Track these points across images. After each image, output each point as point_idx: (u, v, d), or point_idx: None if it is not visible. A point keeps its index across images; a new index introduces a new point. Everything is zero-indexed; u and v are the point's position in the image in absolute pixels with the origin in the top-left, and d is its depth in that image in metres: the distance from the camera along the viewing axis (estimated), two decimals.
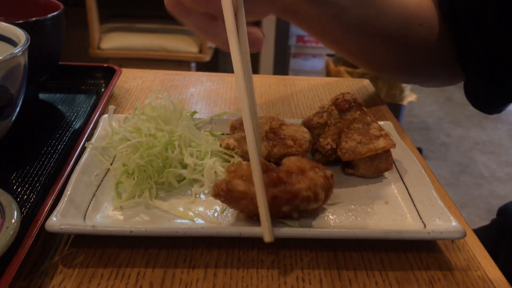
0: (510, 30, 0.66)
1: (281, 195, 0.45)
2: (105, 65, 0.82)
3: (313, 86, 0.85)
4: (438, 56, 0.75)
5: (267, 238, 0.42)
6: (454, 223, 0.45)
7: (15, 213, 0.42)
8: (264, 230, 0.42)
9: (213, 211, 0.49)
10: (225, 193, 0.44)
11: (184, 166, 0.53)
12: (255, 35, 0.52)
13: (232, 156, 0.56)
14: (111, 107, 0.60)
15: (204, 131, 0.61)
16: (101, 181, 0.52)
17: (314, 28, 0.73)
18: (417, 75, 0.83)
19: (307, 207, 0.46)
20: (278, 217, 0.46)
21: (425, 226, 0.47)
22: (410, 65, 0.78)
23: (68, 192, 0.47)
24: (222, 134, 0.63)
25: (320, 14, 0.67)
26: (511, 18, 0.65)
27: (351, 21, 0.67)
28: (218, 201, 0.48)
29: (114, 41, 2.31)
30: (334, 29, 0.69)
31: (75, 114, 0.69)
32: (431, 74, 0.81)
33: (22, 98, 0.55)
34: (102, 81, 0.80)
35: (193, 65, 2.38)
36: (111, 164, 0.54)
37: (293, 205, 0.45)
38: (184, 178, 0.53)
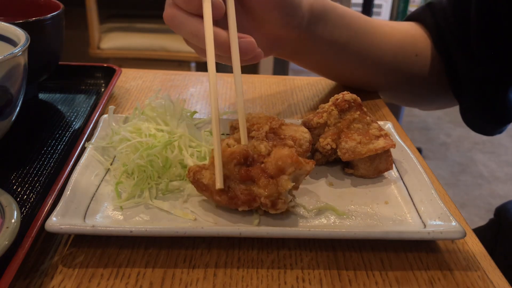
0: (493, 56, 0.70)
1: (241, 195, 0.46)
2: (105, 65, 0.82)
3: (313, 86, 0.85)
4: (433, 84, 0.80)
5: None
6: (454, 223, 0.45)
7: (15, 213, 0.42)
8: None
9: (213, 211, 0.49)
10: (192, 180, 0.48)
11: (184, 166, 0.53)
12: (246, 38, 0.53)
13: None
14: (111, 107, 0.60)
15: (204, 131, 0.61)
16: (101, 181, 0.52)
17: (320, 66, 0.77)
18: (414, 101, 0.88)
19: (266, 210, 0.46)
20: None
21: (425, 226, 0.47)
22: (408, 92, 0.84)
23: (68, 192, 0.47)
24: (222, 134, 0.63)
25: (323, 52, 0.70)
26: (492, 45, 0.70)
27: (351, 55, 0.72)
28: None
29: (114, 41, 2.31)
30: (336, 65, 0.74)
31: (75, 114, 0.69)
32: (428, 100, 0.86)
33: (22, 98, 0.55)
34: (102, 81, 0.80)
35: (193, 65, 2.38)
36: (111, 164, 0.54)
37: (250, 206, 0.46)
38: (184, 178, 0.53)
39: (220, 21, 0.53)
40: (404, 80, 0.78)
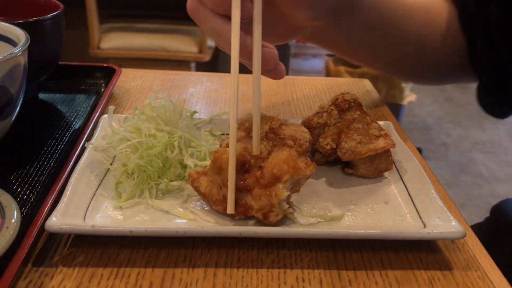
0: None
1: (236, 205, 0.46)
2: (105, 65, 0.82)
3: (313, 86, 0.85)
4: (455, 59, 0.77)
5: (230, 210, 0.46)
6: (454, 223, 0.45)
7: (15, 213, 0.42)
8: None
9: (213, 211, 0.49)
10: (192, 186, 0.49)
11: (184, 166, 0.53)
12: (269, 48, 0.51)
13: None
14: (111, 107, 0.60)
15: (204, 131, 0.61)
16: (101, 181, 0.52)
17: (343, 49, 0.74)
18: (431, 78, 0.85)
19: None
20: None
21: (425, 226, 0.47)
22: (429, 70, 0.80)
23: (68, 192, 0.47)
24: (222, 134, 0.63)
25: (348, 36, 0.68)
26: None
27: (377, 36, 0.69)
28: None
29: (114, 41, 2.31)
30: (361, 46, 0.71)
31: (75, 114, 0.69)
32: (446, 75, 0.83)
33: (22, 98, 0.55)
34: (102, 81, 0.80)
35: (193, 65, 2.37)
36: (111, 164, 0.54)
37: (245, 215, 0.46)
38: (184, 178, 0.53)
39: (244, 23, 0.51)
40: (427, 58, 0.76)
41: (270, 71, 0.52)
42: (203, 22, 0.50)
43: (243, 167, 0.47)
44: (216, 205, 0.47)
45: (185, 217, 0.48)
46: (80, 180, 0.49)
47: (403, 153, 0.58)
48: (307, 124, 0.58)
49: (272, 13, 0.55)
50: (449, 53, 0.76)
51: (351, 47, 0.73)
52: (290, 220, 0.48)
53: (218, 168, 0.47)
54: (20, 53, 0.51)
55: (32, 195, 0.50)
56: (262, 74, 0.51)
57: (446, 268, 0.45)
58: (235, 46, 0.47)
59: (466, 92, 3.49)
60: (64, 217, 0.44)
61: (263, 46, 0.50)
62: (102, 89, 0.78)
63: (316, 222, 0.48)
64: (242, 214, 0.46)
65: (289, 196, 0.46)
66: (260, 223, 0.46)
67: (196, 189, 0.49)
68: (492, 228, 0.81)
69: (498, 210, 0.83)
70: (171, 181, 0.52)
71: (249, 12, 0.48)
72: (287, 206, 0.46)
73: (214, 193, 0.47)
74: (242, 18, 0.48)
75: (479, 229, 0.81)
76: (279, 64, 0.52)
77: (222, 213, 0.47)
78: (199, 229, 0.44)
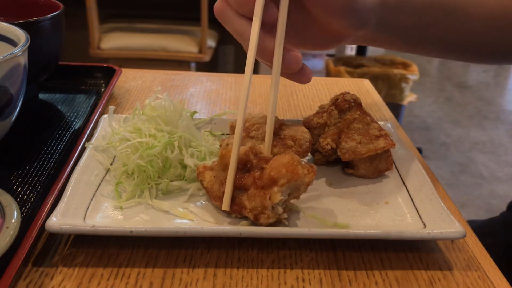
0: None
1: (232, 203, 0.46)
2: (105, 65, 0.82)
3: (313, 86, 0.85)
4: None
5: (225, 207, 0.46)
6: (454, 223, 0.45)
7: (15, 213, 0.42)
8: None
9: (213, 211, 0.49)
10: (197, 178, 0.50)
11: (184, 166, 0.53)
12: (292, 52, 0.50)
13: None
14: (111, 107, 0.60)
15: (204, 131, 0.61)
16: (101, 181, 0.52)
17: (400, 47, 0.67)
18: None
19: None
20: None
21: (425, 226, 0.47)
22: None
23: (68, 192, 0.47)
24: (222, 134, 0.63)
25: (401, 35, 0.62)
26: None
27: (434, 38, 0.64)
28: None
29: (114, 41, 2.31)
30: (417, 48, 0.66)
31: (75, 114, 0.69)
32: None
33: (22, 98, 0.55)
34: (102, 81, 0.80)
35: (193, 65, 2.37)
36: (111, 164, 0.54)
37: (240, 215, 0.47)
38: (184, 178, 0.53)
39: (270, 27, 0.50)
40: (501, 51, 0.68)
41: (294, 75, 0.51)
42: (228, 23, 0.50)
43: (245, 166, 0.47)
44: (215, 200, 0.48)
45: (185, 217, 0.48)
46: (80, 180, 0.49)
47: (403, 153, 0.58)
48: (307, 124, 0.58)
49: (308, 19, 0.53)
50: None
51: (411, 45, 0.66)
52: (292, 214, 0.48)
53: (224, 165, 0.47)
54: (20, 53, 0.51)
55: (32, 195, 0.50)
56: (287, 77, 0.51)
57: (446, 268, 0.45)
58: (252, 47, 0.47)
59: (466, 92, 3.49)
60: (64, 217, 0.44)
61: (287, 49, 0.49)
62: (102, 89, 0.78)
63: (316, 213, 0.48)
64: (237, 212, 0.46)
65: (285, 201, 0.46)
66: (254, 224, 0.46)
67: (201, 182, 0.50)
68: (508, 222, 0.80)
69: None
70: (171, 181, 0.52)
71: (273, 17, 0.48)
72: (281, 210, 0.46)
73: (215, 189, 0.48)
74: (266, 22, 0.48)
75: (490, 223, 0.80)
76: (305, 67, 0.51)
77: (220, 209, 0.47)
78: (199, 229, 0.44)
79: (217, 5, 0.51)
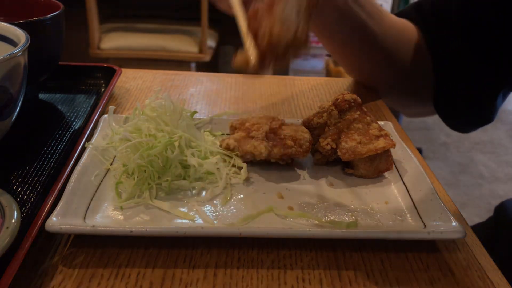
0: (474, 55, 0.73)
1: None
2: (105, 65, 0.82)
3: (313, 86, 0.85)
4: (423, 78, 0.81)
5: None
6: (454, 223, 0.45)
7: (15, 213, 0.42)
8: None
9: (213, 211, 0.49)
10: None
11: (184, 166, 0.53)
12: None
13: (231, 157, 0.56)
14: (111, 107, 0.60)
15: (204, 131, 0.61)
16: (101, 181, 0.52)
17: (322, 31, 0.77)
18: (406, 94, 0.88)
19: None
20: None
21: (425, 226, 0.47)
22: (402, 80, 0.84)
23: (68, 192, 0.47)
24: (222, 134, 0.63)
25: (328, 17, 0.71)
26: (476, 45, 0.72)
27: (352, 25, 0.72)
28: (218, 201, 0.50)
29: (114, 41, 2.31)
30: (338, 33, 0.75)
31: (75, 114, 0.69)
32: (418, 95, 0.86)
33: (22, 98, 0.55)
34: (102, 81, 0.80)
35: (193, 65, 2.38)
36: (111, 164, 0.54)
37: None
38: (184, 178, 0.53)
39: None
40: (401, 72, 0.80)
41: None
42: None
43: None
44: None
45: (185, 217, 0.48)
46: (80, 180, 0.49)
47: (403, 153, 0.58)
48: (307, 124, 0.58)
49: None
50: (417, 68, 0.79)
51: (329, 35, 0.77)
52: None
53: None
54: (20, 53, 0.51)
55: (32, 195, 0.50)
56: None
57: (446, 268, 0.45)
58: None
59: None
60: (64, 217, 0.44)
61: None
62: (102, 89, 0.78)
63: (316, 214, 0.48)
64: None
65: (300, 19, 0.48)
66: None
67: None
68: (494, 226, 0.81)
69: (501, 209, 0.83)
70: (171, 181, 0.52)
71: None
72: (295, 23, 0.49)
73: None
74: None
75: (481, 228, 0.81)
76: None
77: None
78: (199, 229, 0.44)
79: None
